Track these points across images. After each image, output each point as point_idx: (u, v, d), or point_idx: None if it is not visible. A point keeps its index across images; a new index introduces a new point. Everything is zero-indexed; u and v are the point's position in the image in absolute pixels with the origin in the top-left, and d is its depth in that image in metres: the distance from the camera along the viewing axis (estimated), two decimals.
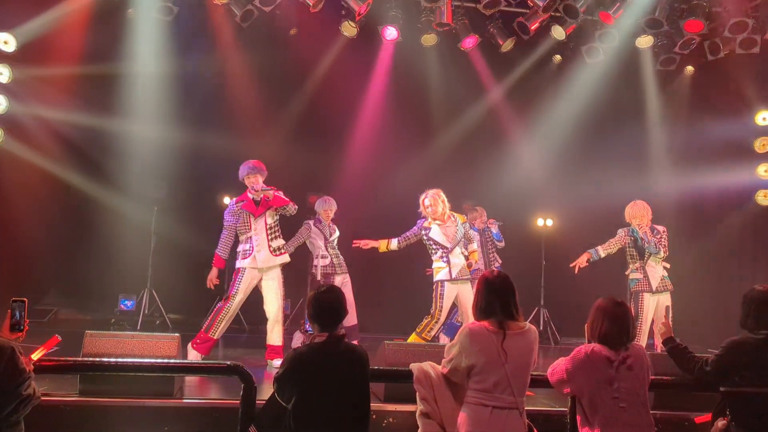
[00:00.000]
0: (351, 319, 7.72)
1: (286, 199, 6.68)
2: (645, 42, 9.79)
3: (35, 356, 3.58)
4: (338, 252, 8.07)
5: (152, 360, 4.73)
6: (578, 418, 3.73)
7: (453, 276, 6.69)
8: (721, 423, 4.02)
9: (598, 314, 3.77)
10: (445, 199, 6.86)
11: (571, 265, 7.01)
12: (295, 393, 3.41)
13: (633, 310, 6.80)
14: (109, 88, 9.39)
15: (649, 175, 10.42)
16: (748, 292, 4.22)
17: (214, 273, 6.84)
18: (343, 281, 7.90)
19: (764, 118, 9.71)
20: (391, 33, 9.57)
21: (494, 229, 9.02)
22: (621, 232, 7.09)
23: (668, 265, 7.06)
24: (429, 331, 6.61)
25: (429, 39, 9.77)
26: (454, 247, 6.77)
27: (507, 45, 9.86)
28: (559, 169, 10.53)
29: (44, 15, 8.52)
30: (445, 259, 6.73)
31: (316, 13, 9.01)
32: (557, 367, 3.80)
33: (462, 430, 3.52)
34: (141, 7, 9.05)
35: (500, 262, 8.97)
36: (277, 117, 10.12)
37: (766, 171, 9.72)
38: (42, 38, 8.64)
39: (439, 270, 6.76)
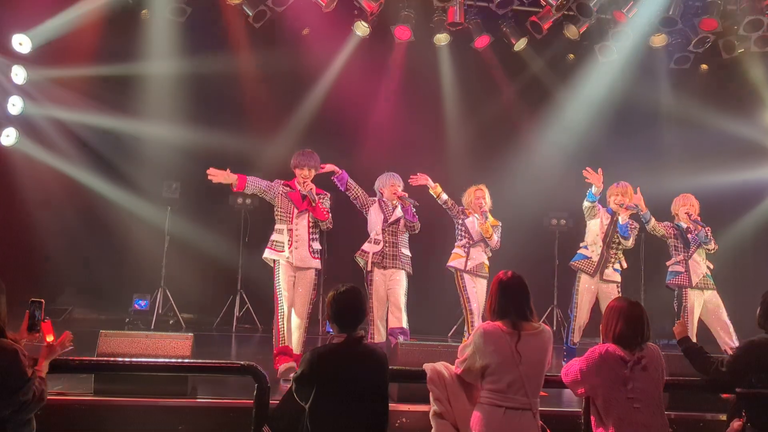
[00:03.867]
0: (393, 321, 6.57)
1: (325, 213, 6.13)
2: (659, 40, 9.74)
3: (50, 338, 3.52)
4: (398, 241, 6.59)
5: (166, 360, 4.77)
6: (592, 419, 3.71)
7: (467, 267, 6.83)
8: (736, 424, 4.00)
9: (612, 314, 3.76)
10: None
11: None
12: (313, 393, 3.40)
13: (675, 306, 6.72)
14: (123, 89, 9.45)
15: (662, 174, 10.31)
16: (766, 293, 4.19)
17: (225, 174, 5.98)
18: (391, 277, 6.54)
19: None
20: (403, 33, 9.56)
21: (621, 219, 6.66)
22: (666, 223, 6.83)
23: (712, 266, 6.81)
24: (473, 326, 6.57)
25: (441, 38, 9.77)
26: (477, 242, 6.90)
27: (520, 44, 9.83)
28: (573, 168, 10.43)
29: (59, 16, 8.57)
30: (466, 249, 6.90)
31: (329, 13, 9.02)
32: (571, 368, 3.78)
33: (475, 430, 3.52)
34: (155, 8, 9.12)
35: (625, 266, 6.86)
36: (289, 117, 10.12)
37: None
38: (57, 40, 8.70)
39: (457, 257, 6.92)
